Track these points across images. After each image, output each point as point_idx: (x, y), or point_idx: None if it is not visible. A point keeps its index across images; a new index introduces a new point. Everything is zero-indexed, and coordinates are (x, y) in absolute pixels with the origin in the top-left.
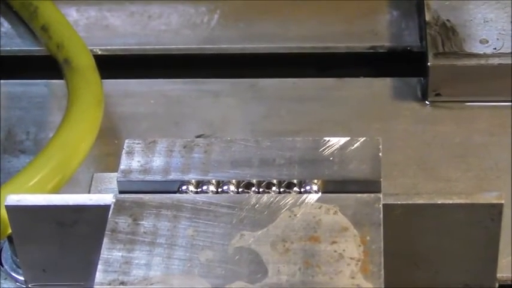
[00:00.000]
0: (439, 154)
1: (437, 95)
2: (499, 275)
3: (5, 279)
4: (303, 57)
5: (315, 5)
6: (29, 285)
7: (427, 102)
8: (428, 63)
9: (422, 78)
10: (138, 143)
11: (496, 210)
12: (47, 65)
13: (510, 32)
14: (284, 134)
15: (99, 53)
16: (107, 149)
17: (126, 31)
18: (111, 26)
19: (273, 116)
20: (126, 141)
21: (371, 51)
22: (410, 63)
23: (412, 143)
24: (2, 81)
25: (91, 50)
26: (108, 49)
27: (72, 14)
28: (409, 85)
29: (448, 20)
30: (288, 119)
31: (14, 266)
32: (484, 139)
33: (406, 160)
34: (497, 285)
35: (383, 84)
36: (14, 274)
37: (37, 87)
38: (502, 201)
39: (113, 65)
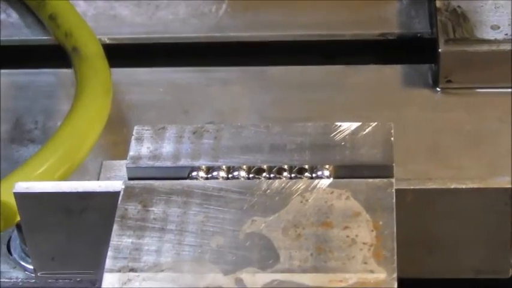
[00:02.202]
0: (450, 141)
1: (449, 81)
2: None
3: (14, 268)
4: (312, 45)
5: None
6: (38, 274)
7: (438, 89)
8: (439, 50)
9: (433, 65)
10: (148, 129)
11: (508, 194)
12: (55, 55)
13: None
14: (294, 121)
15: (108, 42)
16: (115, 137)
17: (133, 20)
18: (118, 15)
19: (282, 103)
20: (136, 127)
21: (381, 38)
22: (421, 50)
23: (423, 130)
24: (9, 70)
25: (99, 39)
26: (116, 38)
27: (80, 4)
28: (420, 72)
29: (458, 6)
30: (297, 106)
31: (23, 255)
32: (496, 126)
33: (417, 147)
34: (511, 271)
35: (393, 71)
36: (23, 263)
37: (45, 76)
38: None
39: (121, 54)
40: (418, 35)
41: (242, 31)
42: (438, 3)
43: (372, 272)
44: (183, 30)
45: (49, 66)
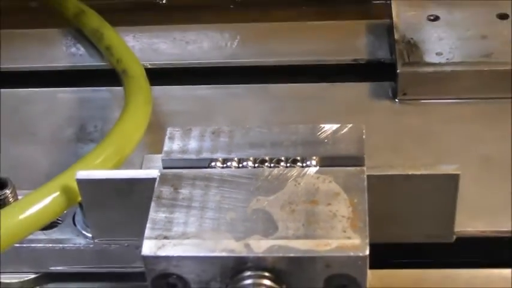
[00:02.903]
0: (407, 139)
1: (404, 94)
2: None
3: (78, 235)
4: (304, 68)
5: (312, 29)
6: (96, 241)
7: (396, 100)
8: (398, 71)
9: (393, 82)
10: (178, 130)
11: (454, 179)
12: (110, 76)
13: (458, 46)
14: (288, 124)
15: (149, 66)
16: (154, 137)
17: (169, 51)
18: (158, 48)
19: (281, 111)
20: (168, 129)
21: (354, 62)
22: (384, 71)
23: (386, 131)
24: (77, 88)
25: (142, 64)
26: (155, 63)
27: (129, 40)
28: (383, 88)
29: (411, 38)
30: (292, 113)
31: (84, 226)
32: (441, 127)
33: (381, 144)
34: (454, 237)
35: (363, 87)
36: (84, 232)
37: (102, 93)
38: (459, 172)
39: (159, 76)
40: (382, 60)
41: (251, 58)
42: (396, 36)
43: (349, 238)
44: (206, 57)
45: (105, 85)
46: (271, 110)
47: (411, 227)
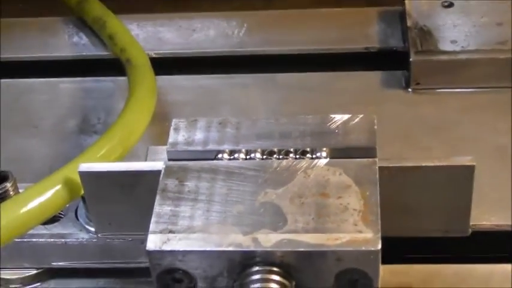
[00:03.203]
0: (419, 129)
1: (418, 83)
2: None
3: (80, 230)
4: (313, 57)
5: (322, 16)
6: (98, 235)
7: (409, 89)
8: (411, 59)
9: (406, 71)
10: (183, 121)
11: (469, 170)
12: (113, 66)
13: (473, 33)
14: (297, 114)
15: (154, 55)
16: (159, 128)
17: (174, 40)
18: (163, 37)
19: (289, 101)
20: (174, 120)
21: (365, 51)
22: (396, 60)
23: (398, 122)
24: (80, 78)
25: (147, 54)
26: (160, 53)
27: (133, 28)
28: (395, 77)
29: (424, 25)
30: (300, 103)
31: (87, 220)
32: (454, 117)
33: (394, 134)
34: (470, 231)
35: (375, 76)
36: (87, 226)
37: (106, 83)
38: (474, 164)
39: (164, 65)
40: (394, 48)
41: (257, 47)
42: (409, 23)
43: (360, 232)
44: (212, 46)
45: (109, 75)
46: (279, 100)
47: (425, 221)
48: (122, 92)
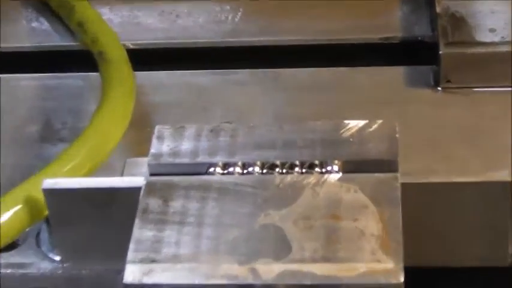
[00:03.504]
0: (450, 136)
1: (448, 81)
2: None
3: (42, 259)
4: (322, 48)
5: (333, 1)
6: (64, 265)
7: (439, 88)
8: (440, 52)
9: (434, 66)
10: (168, 129)
11: (507, 188)
12: (82, 59)
13: None
14: (304, 119)
15: (131, 47)
16: (139, 136)
17: (156, 27)
18: (142, 23)
19: (294, 103)
20: (157, 126)
21: (385, 42)
22: (422, 52)
23: (425, 127)
24: (40, 74)
25: (123, 45)
26: (139, 43)
27: (106, 12)
28: (422, 73)
29: (457, 11)
30: (308, 105)
31: (51, 247)
32: (492, 122)
33: (419, 142)
34: (509, 260)
35: (397, 73)
36: (50, 254)
37: (73, 79)
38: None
39: (143, 58)
40: (420, 38)
41: (256, 36)
42: (438, 9)
43: (379, 262)
44: (201, 35)
45: (77, 70)
46: (282, 101)
47: (456, 248)
48: (94, 91)
